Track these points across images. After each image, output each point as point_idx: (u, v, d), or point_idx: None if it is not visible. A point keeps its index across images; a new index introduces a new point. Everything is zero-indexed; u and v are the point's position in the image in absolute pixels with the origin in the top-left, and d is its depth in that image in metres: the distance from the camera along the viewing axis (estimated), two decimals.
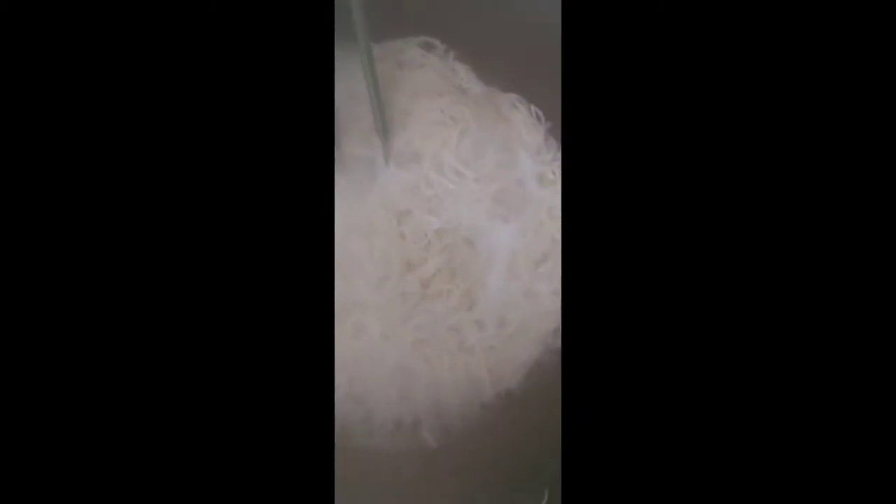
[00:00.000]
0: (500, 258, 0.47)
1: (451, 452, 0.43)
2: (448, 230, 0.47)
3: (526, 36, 0.49)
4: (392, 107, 0.50)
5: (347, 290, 0.45)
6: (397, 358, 0.44)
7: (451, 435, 0.44)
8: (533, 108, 0.52)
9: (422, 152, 0.49)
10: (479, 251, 0.47)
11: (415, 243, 0.46)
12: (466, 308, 0.46)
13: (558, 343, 0.45)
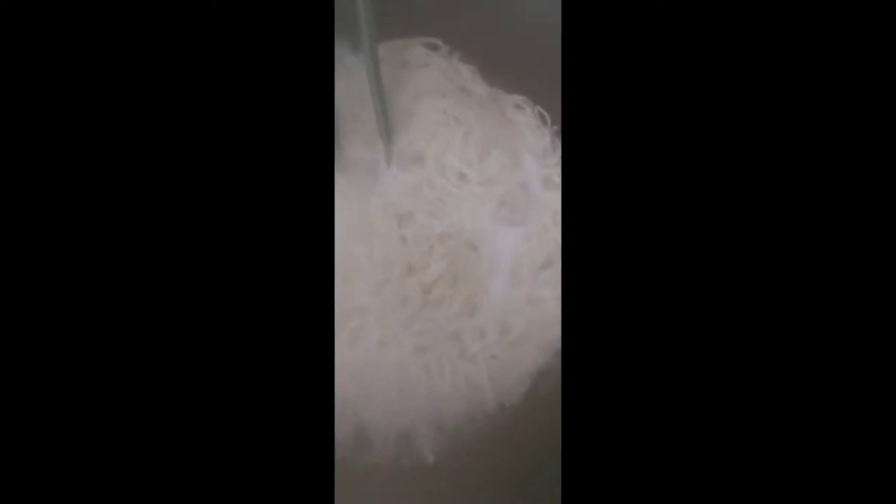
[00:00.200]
0: (504, 263, 0.46)
1: (450, 466, 0.42)
2: (451, 234, 0.46)
3: (531, 37, 0.48)
4: (395, 107, 0.49)
5: (346, 295, 0.43)
6: (396, 366, 0.43)
7: (451, 448, 0.42)
8: (538, 110, 0.51)
9: (424, 154, 0.48)
10: (481, 256, 0.46)
11: (416, 247, 0.45)
12: (468, 314, 0.45)
13: None
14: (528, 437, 0.42)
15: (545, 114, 0.51)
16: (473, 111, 0.50)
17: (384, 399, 0.42)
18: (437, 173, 0.48)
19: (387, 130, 0.47)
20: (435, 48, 0.53)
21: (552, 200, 0.48)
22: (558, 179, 0.49)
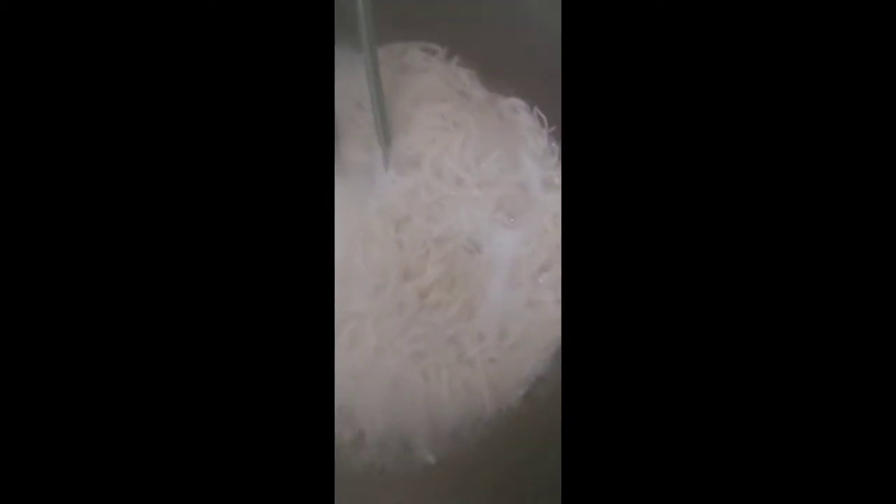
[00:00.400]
0: (502, 266, 0.46)
1: (447, 473, 0.41)
2: (448, 238, 0.46)
3: (529, 40, 0.48)
4: (394, 111, 0.49)
5: (342, 299, 0.43)
6: (393, 371, 0.42)
7: (449, 452, 0.42)
8: (536, 111, 0.51)
9: (422, 157, 0.48)
10: (479, 259, 0.46)
11: (413, 251, 0.45)
12: (466, 318, 0.44)
13: None
14: (527, 442, 0.41)
15: (543, 116, 0.51)
16: (472, 115, 0.49)
17: (382, 404, 0.42)
18: (434, 177, 0.47)
19: (385, 134, 0.47)
20: (433, 52, 0.53)
21: (552, 202, 0.48)
22: (558, 181, 0.49)
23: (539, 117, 0.51)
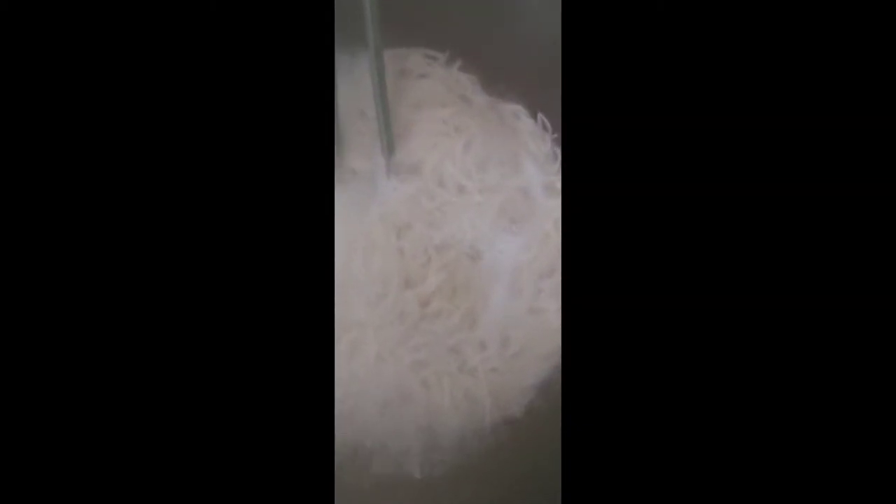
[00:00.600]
0: (504, 273, 0.46)
1: (449, 482, 0.41)
2: (450, 245, 0.46)
3: (530, 45, 0.48)
4: (395, 117, 0.49)
5: (342, 308, 0.43)
6: (393, 380, 0.42)
7: (451, 463, 0.41)
8: (539, 117, 0.51)
9: (423, 163, 0.48)
10: (481, 266, 0.46)
11: (414, 259, 0.45)
12: (468, 327, 0.44)
13: None
14: (530, 452, 0.41)
15: (546, 121, 0.51)
16: (473, 120, 0.49)
17: (382, 414, 0.41)
18: (436, 183, 0.47)
19: (389, 142, 0.47)
20: (434, 58, 0.53)
21: (554, 207, 0.48)
22: (559, 186, 0.48)
23: (542, 122, 0.51)
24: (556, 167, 0.49)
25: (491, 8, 0.50)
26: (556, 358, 0.44)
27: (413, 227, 0.46)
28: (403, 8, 0.45)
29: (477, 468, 0.41)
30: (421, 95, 0.51)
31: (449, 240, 0.45)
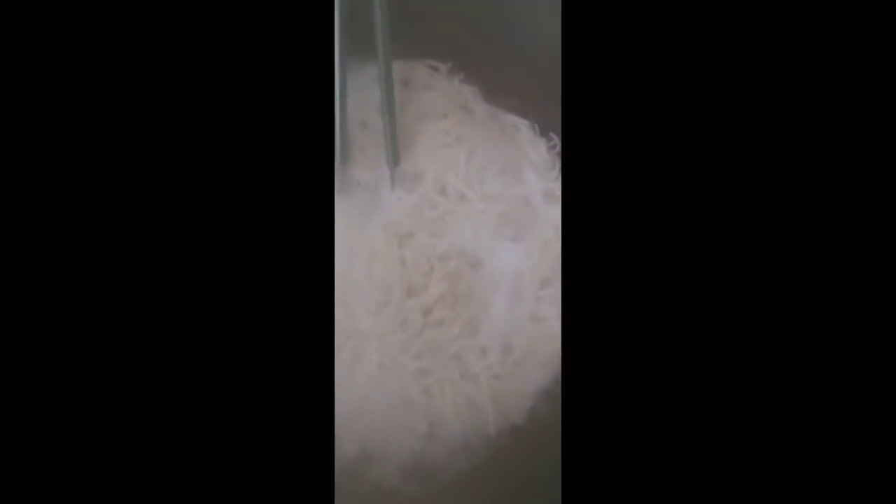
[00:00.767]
0: (505, 281, 0.46)
1: (451, 491, 0.41)
2: (451, 254, 0.46)
3: (531, 55, 0.48)
4: (399, 128, 0.49)
5: (344, 317, 0.43)
6: (396, 389, 0.42)
7: (453, 471, 0.41)
8: (539, 125, 0.51)
9: (425, 173, 0.48)
10: (483, 274, 0.46)
11: (416, 268, 0.45)
12: (469, 335, 0.44)
13: None
14: (532, 459, 0.41)
15: (546, 130, 0.51)
16: (475, 129, 0.49)
17: (384, 422, 0.41)
18: (437, 192, 0.47)
19: (394, 154, 0.47)
20: (437, 69, 0.53)
21: (555, 215, 0.48)
22: (559, 193, 0.48)
23: (541, 131, 0.51)
24: (556, 174, 0.49)
25: (492, 19, 0.50)
26: (558, 364, 0.43)
27: (415, 237, 0.46)
28: (406, 20, 0.45)
29: (479, 475, 0.41)
30: (423, 107, 0.51)
31: (451, 249, 0.46)
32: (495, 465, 0.41)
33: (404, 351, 0.43)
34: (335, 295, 0.43)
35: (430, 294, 0.44)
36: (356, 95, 0.47)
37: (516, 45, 0.49)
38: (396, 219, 0.46)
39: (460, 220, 0.46)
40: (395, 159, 0.47)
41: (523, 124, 0.51)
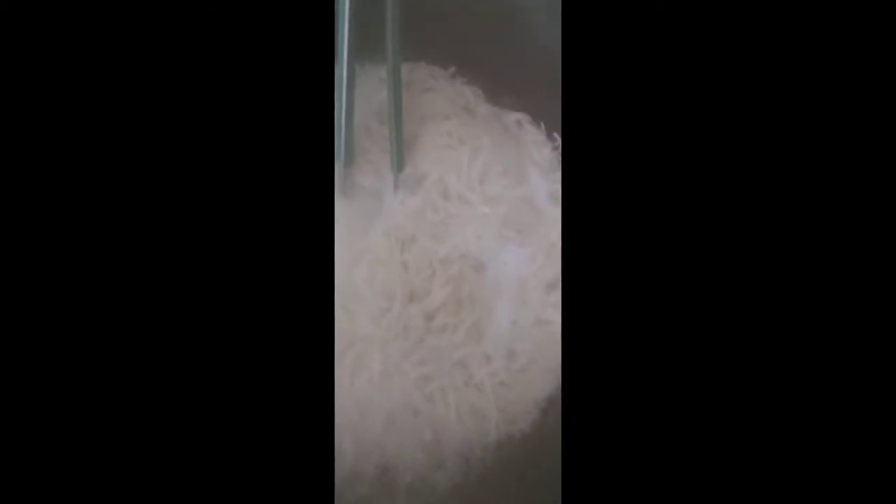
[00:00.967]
0: (509, 284, 0.45)
1: (455, 500, 0.40)
2: (454, 258, 0.45)
3: (533, 55, 0.48)
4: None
5: (347, 324, 0.43)
6: (399, 396, 0.41)
7: (457, 479, 0.41)
8: (542, 125, 0.51)
9: (428, 176, 0.48)
10: (486, 278, 0.45)
11: (418, 273, 0.44)
12: (473, 340, 0.44)
13: None
14: (537, 466, 0.40)
15: (550, 129, 0.50)
16: (477, 130, 0.49)
17: (387, 430, 0.41)
18: (440, 196, 0.47)
19: (399, 158, 0.47)
20: (439, 72, 0.53)
21: (559, 215, 0.47)
22: None
23: (545, 130, 0.51)
24: (560, 175, 0.49)
25: (494, 20, 0.50)
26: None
27: (417, 241, 0.45)
28: (409, 22, 0.44)
29: (483, 483, 0.41)
30: (426, 109, 0.50)
31: (453, 252, 0.45)
32: (500, 473, 0.41)
33: (407, 357, 0.42)
34: (337, 301, 0.42)
35: (432, 299, 0.44)
36: (360, 100, 0.47)
37: (518, 45, 0.49)
38: (399, 223, 0.46)
39: (463, 224, 0.46)
40: (399, 165, 0.47)
41: (527, 122, 0.51)
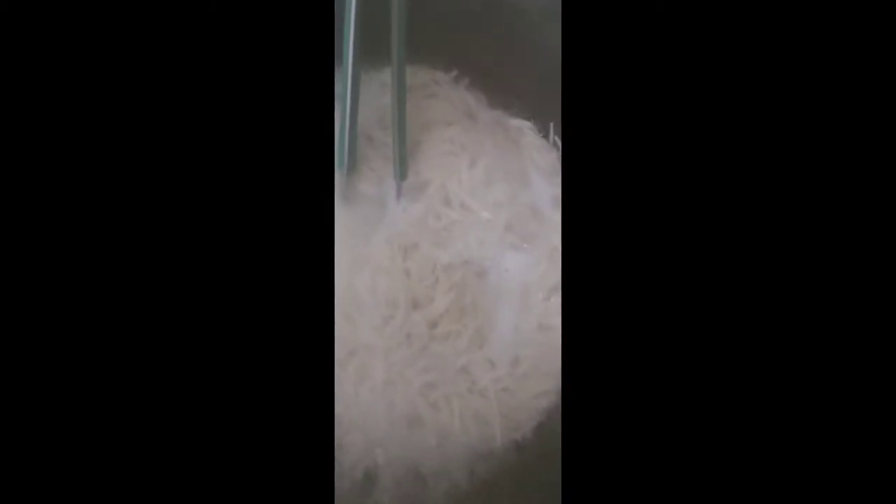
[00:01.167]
0: (513, 290, 0.45)
1: None
2: (456, 264, 0.45)
3: (535, 60, 0.48)
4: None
5: (349, 332, 0.42)
6: (403, 404, 0.41)
7: (461, 487, 0.41)
8: (544, 129, 0.51)
9: (430, 183, 0.47)
10: (489, 284, 0.45)
11: (421, 280, 0.44)
12: (477, 347, 0.43)
13: None
14: (542, 471, 0.40)
15: (551, 133, 0.50)
16: (480, 136, 0.49)
17: (392, 439, 0.41)
18: (442, 202, 0.47)
19: (402, 166, 0.46)
20: (441, 77, 0.52)
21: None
22: None
23: (547, 135, 0.50)
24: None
25: (494, 25, 0.50)
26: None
27: (420, 248, 0.45)
28: (411, 30, 0.44)
29: (488, 489, 0.40)
30: (428, 115, 0.50)
31: (456, 259, 0.45)
32: (504, 480, 0.41)
33: (410, 365, 0.42)
34: (340, 309, 0.42)
35: (435, 307, 0.44)
36: (362, 109, 0.47)
37: (520, 49, 0.49)
38: (401, 230, 0.46)
39: (466, 230, 0.46)
40: (403, 174, 0.46)
41: (529, 128, 0.51)
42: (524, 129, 0.51)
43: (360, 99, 0.44)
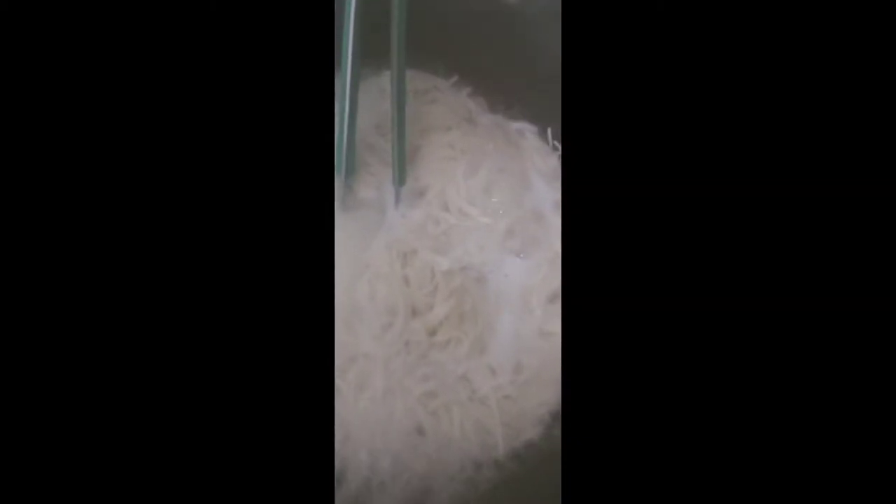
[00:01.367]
0: (513, 295, 0.45)
1: None
2: (456, 271, 0.44)
3: (534, 64, 0.48)
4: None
5: (348, 340, 0.42)
6: (402, 414, 0.41)
7: (462, 497, 0.40)
8: (545, 133, 0.50)
9: (429, 188, 0.47)
10: (489, 290, 0.45)
11: (420, 287, 0.44)
12: (477, 354, 0.43)
13: None
14: (544, 480, 0.39)
15: (552, 137, 0.50)
16: (480, 141, 0.49)
17: (392, 449, 0.40)
18: (441, 208, 0.46)
19: (401, 171, 0.46)
20: (440, 82, 0.52)
21: None
22: None
23: (548, 139, 0.50)
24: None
25: (494, 29, 0.50)
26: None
27: (419, 254, 0.45)
28: (410, 31, 0.44)
29: (490, 499, 0.40)
30: (428, 120, 0.50)
31: (456, 265, 0.44)
32: (506, 488, 0.40)
33: (410, 373, 0.42)
34: (339, 316, 0.42)
35: (435, 314, 0.43)
36: (362, 116, 0.47)
37: (520, 54, 0.49)
38: (400, 236, 0.45)
39: (465, 235, 0.45)
40: (402, 179, 0.46)
41: (529, 132, 0.51)
42: (525, 131, 0.51)
43: (359, 104, 0.44)
